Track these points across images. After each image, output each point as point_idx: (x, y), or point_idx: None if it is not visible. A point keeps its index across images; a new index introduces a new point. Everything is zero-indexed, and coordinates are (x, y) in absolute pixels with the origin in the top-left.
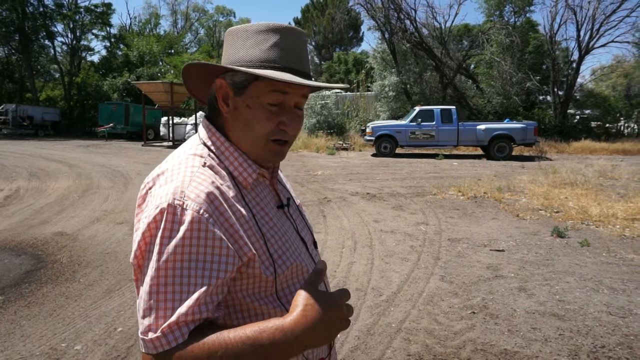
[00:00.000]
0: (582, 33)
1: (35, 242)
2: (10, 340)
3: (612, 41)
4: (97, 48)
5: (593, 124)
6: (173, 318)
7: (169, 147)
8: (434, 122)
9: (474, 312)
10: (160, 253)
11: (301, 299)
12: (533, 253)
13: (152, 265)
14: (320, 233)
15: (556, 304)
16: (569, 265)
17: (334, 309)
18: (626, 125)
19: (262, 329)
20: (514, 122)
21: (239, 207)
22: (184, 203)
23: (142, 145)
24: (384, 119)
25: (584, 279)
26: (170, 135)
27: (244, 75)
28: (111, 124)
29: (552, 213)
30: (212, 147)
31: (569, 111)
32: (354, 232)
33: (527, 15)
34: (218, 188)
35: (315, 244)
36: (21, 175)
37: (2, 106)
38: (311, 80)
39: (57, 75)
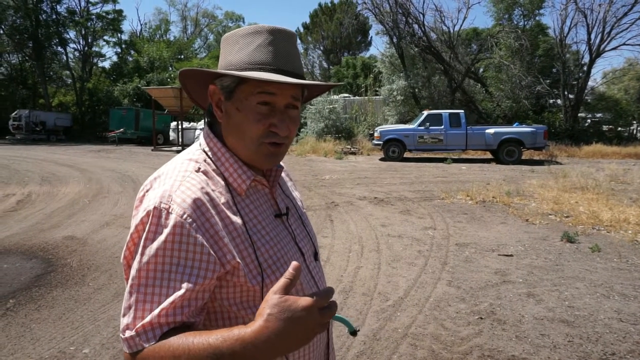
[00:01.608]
0: (592, 36)
1: (46, 246)
2: (21, 343)
3: (624, 44)
4: (108, 54)
5: (604, 127)
6: (147, 319)
7: (178, 151)
8: (442, 126)
9: (481, 318)
10: (142, 254)
11: (266, 307)
12: (542, 258)
13: (135, 265)
14: (327, 237)
15: (565, 310)
16: (579, 270)
17: (302, 318)
18: (639, 128)
19: (225, 338)
20: (524, 125)
21: (228, 213)
22: (169, 207)
23: (152, 150)
24: (392, 123)
25: (594, 285)
26: (180, 140)
27: (230, 78)
28: (121, 129)
29: (562, 218)
30: (209, 153)
31: (579, 115)
32: (361, 236)
33: (537, 18)
34: (207, 194)
35: (316, 255)
36: (33, 180)
37: (15, 112)
38: (302, 80)
39: (69, 81)
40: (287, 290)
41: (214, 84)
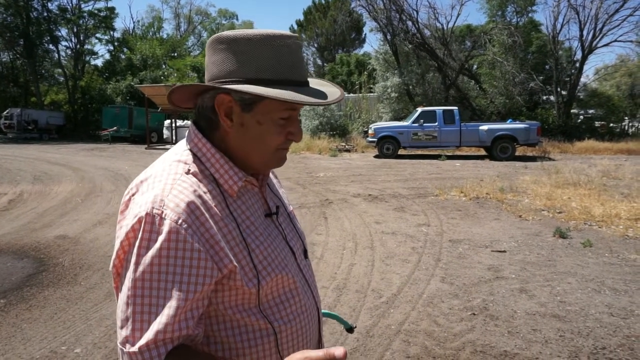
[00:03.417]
0: (585, 32)
1: (38, 245)
2: (11, 343)
3: (616, 40)
4: (100, 52)
5: (597, 123)
6: (151, 336)
7: None
8: (436, 123)
9: (474, 314)
10: (137, 264)
11: None
12: (535, 254)
13: (129, 275)
14: (321, 235)
15: (557, 305)
16: (571, 266)
17: None
18: (630, 124)
19: None
20: (517, 122)
21: (222, 216)
22: (162, 212)
23: (146, 149)
24: (386, 120)
25: (585, 280)
26: (174, 138)
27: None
28: (115, 127)
29: (555, 213)
30: (198, 154)
31: (572, 111)
32: (355, 233)
33: (530, 15)
34: (200, 197)
35: (305, 252)
36: (25, 179)
37: (7, 110)
38: (309, 85)
39: (61, 79)
40: None
41: (227, 94)
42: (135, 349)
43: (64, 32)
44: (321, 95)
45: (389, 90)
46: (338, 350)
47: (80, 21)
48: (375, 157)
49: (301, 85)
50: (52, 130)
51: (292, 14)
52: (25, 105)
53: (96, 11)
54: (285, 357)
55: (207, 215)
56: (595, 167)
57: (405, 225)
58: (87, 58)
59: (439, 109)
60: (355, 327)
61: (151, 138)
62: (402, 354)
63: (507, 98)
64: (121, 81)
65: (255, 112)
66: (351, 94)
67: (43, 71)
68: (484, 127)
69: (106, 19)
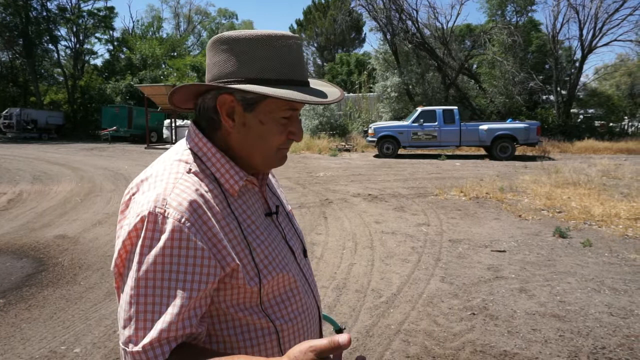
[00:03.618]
0: (584, 32)
1: (37, 245)
2: (11, 343)
3: (615, 40)
4: (100, 51)
5: (596, 123)
6: (154, 334)
7: None
8: (436, 123)
9: (473, 314)
10: (140, 263)
11: (299, 356)
12: (534, 254)
13: (132, 274)
14: (321, 234)
15: (557, 305)
16: (571, 265)
17: None
18: (630, 124)
19: None
20: (517, 122)
21: (223, 215)
22: (165, 211)
23: (145, 148)
24: (386, 120)
25: (585, 280)
26: (173, 137)
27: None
28: (114, 127)
29: (555, 213)
30: (199, 153)
31: (572, 110)
32: (355, 233)
33: (529, 14)
34: (202, 196)
35: (305, 252)
36: (24, 178)
37: (6, 110)
38: (310, 85)
39: (60, 78)
40: (324, 353)
41: (229, 94)
42: (139, 348)
43: (63, 31)
44: (322, 94)
45: (389, 89)
46: (342, 337)
47: (80, 21)
48: (375, 156)
49: (302, 85)
50: (52, 130)
51: (292, 14)
52: (25, 105)
53: (95, 11)
54: None
55: (209, 214)
56: (594, 166)
57: (405, 225)
58: (87, 58)
59: (438, 108)
60: (345, 328)
61: (151, 138)
62: (402, 354)
63: (506, 97)
64: (121, 81)
65: (258, 111)
66: (351, 94)
67: (42, 71)
68: (484, 126)
69: (105, 18)
